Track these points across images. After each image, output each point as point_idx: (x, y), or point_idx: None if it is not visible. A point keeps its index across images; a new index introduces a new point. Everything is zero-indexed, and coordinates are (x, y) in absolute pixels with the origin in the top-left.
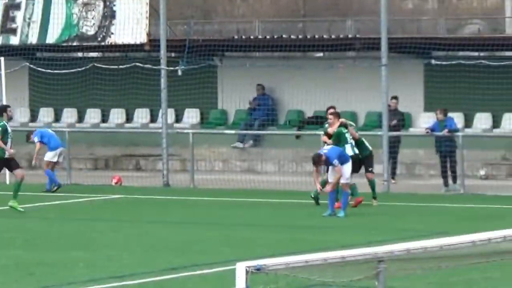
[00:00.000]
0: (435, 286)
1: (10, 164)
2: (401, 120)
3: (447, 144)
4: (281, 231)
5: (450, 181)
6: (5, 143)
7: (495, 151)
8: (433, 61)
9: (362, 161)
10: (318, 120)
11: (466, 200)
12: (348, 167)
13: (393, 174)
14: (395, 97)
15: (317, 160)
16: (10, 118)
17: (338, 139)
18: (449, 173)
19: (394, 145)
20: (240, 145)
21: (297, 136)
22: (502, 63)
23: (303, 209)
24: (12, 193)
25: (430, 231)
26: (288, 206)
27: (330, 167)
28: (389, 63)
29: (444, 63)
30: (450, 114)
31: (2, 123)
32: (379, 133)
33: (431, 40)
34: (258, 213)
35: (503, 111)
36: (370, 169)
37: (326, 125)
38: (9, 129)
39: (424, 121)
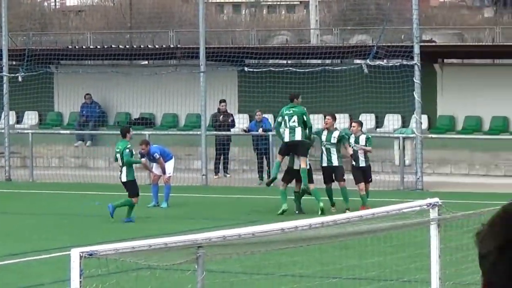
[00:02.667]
0: (249, 268)
1: None
2: (232, 121)
3: (263, 143)
4: (111, 221)
5: (265, 176)
6: None
7: None
8: (246, 68)
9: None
10: (144, 121)
11: (276, 193)
12: (170, 163)
13: (226, 169)
14: (224, 101)
15: None
16: None
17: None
18: (265, 168)
19: (224, 143)
20: (81, 143)
21: None
22: (308, 70)
23: None
24: None
25: (244, 220)
26: (117, 198)
27: (154, 163)
28: (206, 70)
29: (256, 70)
30: (265, 115)
31: None
32: (198, 132)
33: (244, 49)
34: (90, 204)
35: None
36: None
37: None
38: None
39: (240, 121)
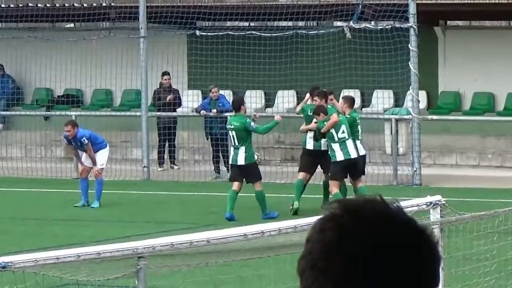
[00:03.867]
0: (202, 284)
1: None
2: (178, 98)
3: (219, 127)
4: (29, 224)
5: (222, 167)
6: None
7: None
8: (197, 32)
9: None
10: (69, 99)
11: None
12: (103, 153)
13: (172, 159)
14: (167, 73)
15: None
16: None
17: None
18: (221, 158)
19: (170, 127)
20: None
21: (46, 117)
22: (275, 34)
23: (54, 199)
24: None
25: (197, 223)
26: (36, 195)
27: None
28: (148, 34)
29: (210, 34)
30: (222, 92)
31: None
32: (138, 113)
33: (195, 8)
34: (2, 203)
35: (276, 89)
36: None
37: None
38: None
39: (189, 99)
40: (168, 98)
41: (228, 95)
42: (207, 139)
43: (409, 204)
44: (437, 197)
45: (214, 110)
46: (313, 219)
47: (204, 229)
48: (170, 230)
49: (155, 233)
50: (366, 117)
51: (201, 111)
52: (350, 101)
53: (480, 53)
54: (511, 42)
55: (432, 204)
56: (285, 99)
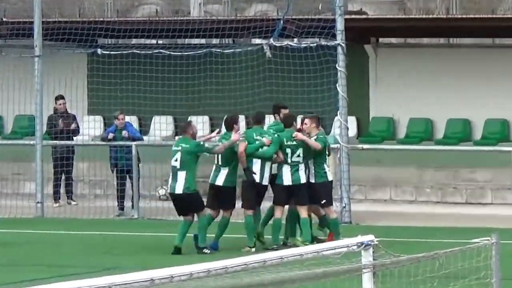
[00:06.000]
0: None
1: None
2: (77, 125)
3: (127, 157)
4: None
5: (127, 203)
6: None
7: None
8: (99, 51)
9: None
10: None
11: (141, 227)
12: None
13: (70, 193)
14: (61, 97)
15: None
16: None
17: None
18: (126, 193)
19: (67, 157)
20: None
21: None
22: (186, 53)
23: None
24: None
25: (98, 267)
26: None
27: None
28: (43, 53)
29: (113, 53)
30: (127, 118)
31: None
32: (32, 142)
33: (97, 24)
34: None
35: (188, 114)
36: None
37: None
38: None
39: (90, 126)
40: (59, 124)
41: (134, 121)
42: (112, 171)
43: (338, 245)
44: (369, 237)
45: (125, 132)
46: (230, 261)
47: (105, 273)
48: (66, 275)
49: (47, 278)
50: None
51: (109, 135)
52: (317, 120)
53: (416, 74)
54: (451, 61)
55: (363, 245)
56: (198, 126)
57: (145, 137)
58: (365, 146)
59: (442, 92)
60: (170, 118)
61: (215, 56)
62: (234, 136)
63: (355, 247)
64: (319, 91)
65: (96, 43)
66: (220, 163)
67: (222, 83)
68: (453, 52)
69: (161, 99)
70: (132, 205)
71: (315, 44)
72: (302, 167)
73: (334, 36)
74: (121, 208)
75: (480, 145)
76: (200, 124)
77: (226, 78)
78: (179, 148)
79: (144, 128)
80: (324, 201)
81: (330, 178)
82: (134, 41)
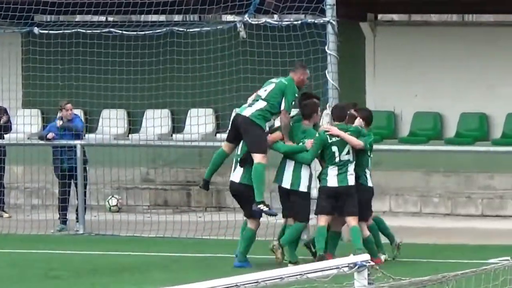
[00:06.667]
0: None
1: None
2: (10, 121)
3: (69, 159)
4: None
5: (71, 216)
6: None
7: (133, 167)
8: (36, 30)
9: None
10: None
11: (88, 244)
12: None
13: (2, 204)
14: None
15: None
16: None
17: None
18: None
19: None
20: None
21: None
22: (143, 32)
23: None
24: None
25: None
26: None
27: None
28: None
29: (53, 32)
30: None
31: None
32: None
33: None
34: None
35: (144, 107)
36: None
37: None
38: None
39: (25, 122)
40: None
41: (80, 115)
42: (58, 177)
43: (327, 266)
44: (363, 256)
45: (51, 134)
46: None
47: None
48: None
49: None
50: None
51: (49, 134)
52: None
53: (423, 59)
54: (467, 43)
55: (356, 266)
56: (157, 122)
57: (91, 135)
58: None
59: (454, 81)
60: (122, 112)
61: (177, 37)
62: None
63: (346, 269)
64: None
65: (32, 21)
66: None
67: (186, 69)
68: (468, 32)
69: (112, 89)
70: (77, 218)
71: (299, 22)
72: (352, 166)
73: (323, 12)
74: (64, 221)
75: (500, 145)
76: (158, 119)
77: (191, 64)
78: None
79: (91, 124)
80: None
81: (370, 184)
82: (78, 18)
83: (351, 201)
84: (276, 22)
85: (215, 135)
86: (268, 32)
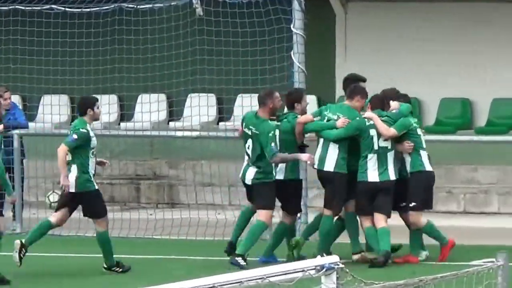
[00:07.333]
0: None
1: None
2: None
3: (7, 151)
4: None
5: (7, 214)
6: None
7: None
8: None
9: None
10: None
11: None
12: None
13: None
14: None
15: None
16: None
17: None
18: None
19: None
20: None
21: None
22: (88, 11)
23: None
24: None
25: None
26: None
27: None
28: None
29: None
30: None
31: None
32: None
33: None
34: None
35: (90, 92)
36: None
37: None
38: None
39: None
40: None
41: (18, 102)
42: None
43: (290, 269)
44: (332, 258)
45: (1, 127)
46: None
47: None
48: None
49: None
50: (225, 135)
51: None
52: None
53: (398, 39)
54: (447, 21)
55: (324, 269)
56: (103, 108)
57: (31, 124)
58: None
59: (434, 63)
60: (65, 98)
61: (126, 14)
62: (303, 156)
63: (313, 272)
64: (267, 61)
65: None
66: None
67: (136, 50)
68: (450, 8)
69: (54, 73)
70: (14, 216)
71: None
72: (391, 156)
73: None
74: None
75: (484, 134)
76: (105, 106)
77: (142, 44)
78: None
79: (30, 112)
80: (413, 203)
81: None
82: None
83: (387, 197)
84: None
85: (168, 124)
86: (228, 8)
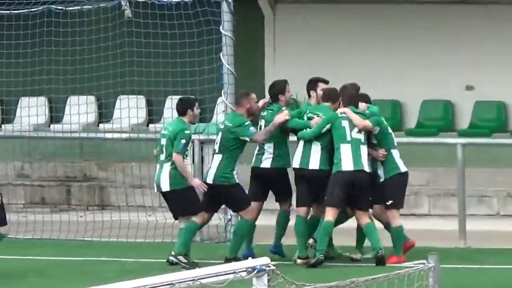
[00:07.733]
0: None
1: None
2: None
3: None
4: None
5: None
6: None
7: (6, 161)
8: None
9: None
10: None
11: None
12: None
13: None
14: None
15: None
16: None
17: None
18: None
19: None
20: None
21: None
22: (16, 13)
23: None
24: None
25: None
26: None
27: None
28: None
29: None
30: None
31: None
32: None
33: None
34: None
35: (18, 95)
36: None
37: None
38: None
39: None
40: None
41: None
42: None
43: (221, 271)
44: (263, 260)
45: None
46: None
47: None
48: None
49: None
50: (155, 137)
51: None
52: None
53: (329, 41)
54: (379, 21)
55: (255, 271)
56: (32, 110)
57: None
58: None
59: (366, 66)
60: None
61: (55, 16)
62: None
63: (244, 273)
64: (197, 63)
65: None
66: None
67: (65, 52)
68: (384, 9)
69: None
70: None
71: (191, 0)
72: (364, 150)
73: None
74: None
75: (415, 135)
76: (34, 108)
77: (71, 46)
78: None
79: None
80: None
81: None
82: None
83: (364, 192)
84: (165, 1)
85: (98, 126)
86: (156, 10)
